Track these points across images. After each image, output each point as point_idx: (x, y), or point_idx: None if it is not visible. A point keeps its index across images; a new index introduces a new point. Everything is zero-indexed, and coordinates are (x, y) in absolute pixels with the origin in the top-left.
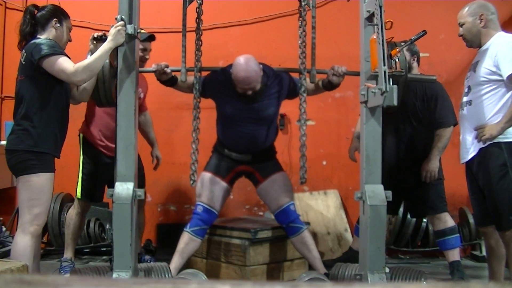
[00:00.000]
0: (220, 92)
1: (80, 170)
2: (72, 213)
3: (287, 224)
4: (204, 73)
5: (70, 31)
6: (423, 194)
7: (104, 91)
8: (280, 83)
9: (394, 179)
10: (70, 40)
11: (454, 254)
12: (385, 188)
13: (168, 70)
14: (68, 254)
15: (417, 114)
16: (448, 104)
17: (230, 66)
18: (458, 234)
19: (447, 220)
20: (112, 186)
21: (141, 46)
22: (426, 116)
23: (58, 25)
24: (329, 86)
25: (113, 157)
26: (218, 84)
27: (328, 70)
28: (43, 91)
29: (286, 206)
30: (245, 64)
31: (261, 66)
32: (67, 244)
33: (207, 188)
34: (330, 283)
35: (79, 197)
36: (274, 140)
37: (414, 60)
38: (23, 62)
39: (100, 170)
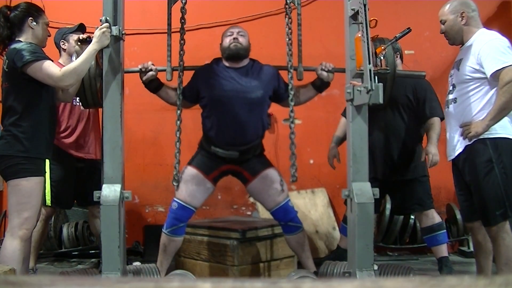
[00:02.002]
0: (206, 76)
1: (48, 177)
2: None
3: (286, 222)
4: (188, 75)
5: (47, 26)
6: (411, 191)
7: (90, 92)
8: (270, 72)
9: (382, 174)
10: (49, 35)
11: (442, 250)
12: (372, 182)
13: (154, 67)
14: (30, 263)
15: (408, 108)
16: (437, 99)
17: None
18: (445, 230)
19: (434, 217)
20: (80, 192)
21: None
22: (416, 110)
23: (35, 23)
24: (319, 83)
25: (82, 160)
26: (202, 73)
27: (317, 67)
28: (29, 97)
29: (285, 203)
30: None
31: None
32: (30, 253)
33: (187, 184)
34: (310, 280)
35: (49, 204)
36: (261, 137)
37: (397, 57)
38: (6, 69)
39: (68, 175)
